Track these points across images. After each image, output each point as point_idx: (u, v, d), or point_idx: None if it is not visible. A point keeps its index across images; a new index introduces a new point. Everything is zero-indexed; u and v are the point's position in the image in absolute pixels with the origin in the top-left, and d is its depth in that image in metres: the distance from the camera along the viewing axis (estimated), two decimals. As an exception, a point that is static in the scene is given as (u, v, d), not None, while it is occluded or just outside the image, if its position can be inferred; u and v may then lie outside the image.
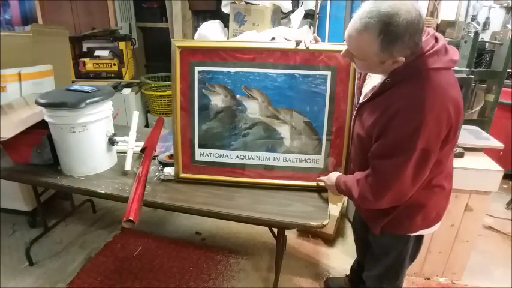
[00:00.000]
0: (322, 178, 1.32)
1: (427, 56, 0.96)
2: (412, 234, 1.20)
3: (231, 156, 1.42)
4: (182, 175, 1.45)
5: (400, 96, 0.97)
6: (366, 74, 1.19)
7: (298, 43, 1.26)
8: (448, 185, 1.16)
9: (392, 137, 0.97)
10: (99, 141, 1.53)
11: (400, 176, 0.98)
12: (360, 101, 1.13)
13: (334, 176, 1.25)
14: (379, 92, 1.04)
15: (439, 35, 1.01)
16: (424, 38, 0.97)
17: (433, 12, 2.85)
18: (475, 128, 1.95)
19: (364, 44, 0.93)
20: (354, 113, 1.20)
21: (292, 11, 2.28)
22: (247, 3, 2.04)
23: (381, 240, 1.27)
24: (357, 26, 0.92)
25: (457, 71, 1.62)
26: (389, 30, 0.87)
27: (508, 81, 2.54)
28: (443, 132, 0.95)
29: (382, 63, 0.96)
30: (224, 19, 2.26)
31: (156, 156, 1.60)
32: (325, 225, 1.21)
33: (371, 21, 0.88)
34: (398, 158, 0.97)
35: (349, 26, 0.95)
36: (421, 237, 1.25)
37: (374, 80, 1.10)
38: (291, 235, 2.18)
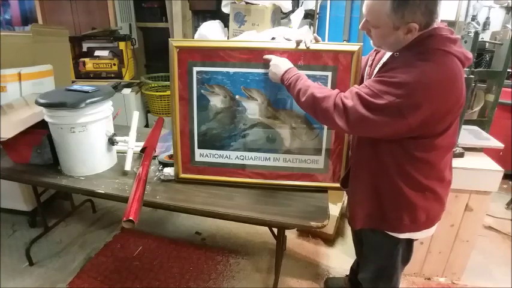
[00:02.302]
0: (268, 57, 1.24)
1: (440, 38, 0.97)
2: (401, 236, 1.19)
3: (231, 156, 1.42)
4: (182, 175, 1.45)
5: (404, 59, 0.98)
6: (378, 61, 1.18)
7: (298, 43, 1.25)
8: (442, 191, 1.14)
9: (378, 79, 1.00)
10: (99, 141, 1.53)
11: (363, 110, 0.98)
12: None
13: (286, 63, 1.20)
14: (385, 63, 1.05)
15: (454, 32, 1.02)
16: (441, 25, 0.99)
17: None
18: (475, 128, 1.94)
19: (378, 5, 0.96)
20: None
21: (292, 11, 2.28)
22: (247, 3, 2.03)
23: (371, 239, 1.28)
24: None
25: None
26: None
27: (508, 81, 2.54)
28: (425, 107, 0.93)
29: (396, 29, 0.97)
30: (224, 19, 2.26)
31: (156, 156, 1.60)
32: (325, 226, 1.21)
33: None
34: (369, 96, 0.98)
35: None
36: (411, 241, 1.24)
37: None
38: (291, 235, 2.18)
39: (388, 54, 1.10)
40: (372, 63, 1.22)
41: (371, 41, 1.10)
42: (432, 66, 0.94)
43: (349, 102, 1.01)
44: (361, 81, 1.27)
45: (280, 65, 1.20)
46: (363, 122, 0.99)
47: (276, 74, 1.20)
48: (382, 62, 1.14)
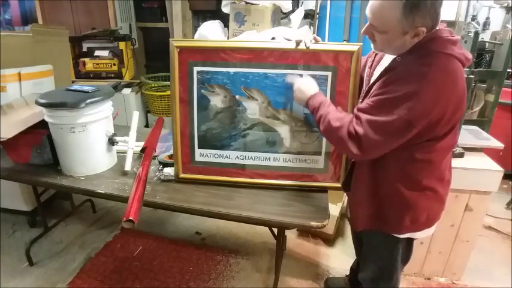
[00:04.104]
0: (294, 81, 1.24)
1: (442, 41, 0.97)
2: (401, 236, 1.19)
3: (231, 156, 1.42)
4: (182, 175, 1.45)
5: (406, 66, 0.98)
6: (378, 62, 1.18)
7: (298, 43, 1.25)
8: (442, 190, 1.15)
9: (383, 96, 0.99)
10: (99, 141, 1.52)
11: (375, 134, 0.98)
12: (369, 85, 1.13)
13: (311, 88, 1.19)
14: (387, 69, 1.04)
15: (454, 33, 1.02)
16: (440, 26, 0.99)
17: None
18: (475, 128, 1.95)
19: (387, 10, 0.94)
20: (361, 99, 1.20)
21: (292, 11, 2.28)
22: (247, 3, 2.03)
23: (371, 239, 1.28)
24: None
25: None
26: None
27: (508, 81, 2.54)
28: (433, 113, 0.94)
29: (404, 34, 0.96)
30: (224, 19, 2.26)
31: (156, 156, 1.60)
32: (325, 225, 1.21)
33: None
34: (379, 117, 0.98)
35: None
36: (411, 240, 1.25)
37: (385, 66, 1.10)
38: (291, 235, 2.18)
39: (389, 56, 1.10)
40: (371, 65, 1.21)
41: (372, 45, 1.09)
42: (436, 71, 0.94)
43: (360, 130, 1.00)
44: (361, 83, 1.27)
45: (304, 91, 1.20)
46: (377, 146, 1.00)
47: (301, 99, 1.21)
48: (382, 64, 1.14)
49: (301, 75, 1.26)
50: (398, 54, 1.02)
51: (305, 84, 1.21)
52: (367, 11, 0.99)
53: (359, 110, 1.05)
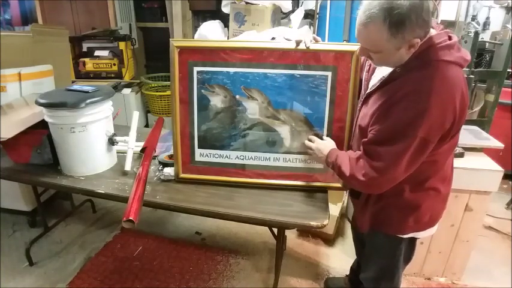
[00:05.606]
0: (311, 145, 1.29)
1: (439, 47, 0.96)
2: (404, 236, 1.19)
3: (231, 156, 1.42)
4: (182, 175, 1.45)
5: (408, 82, 0.97)
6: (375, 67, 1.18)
7: (298, 43, 1.25)
8: (445, 189, 1.15)
9: (393, 122, 0.98)
10: (99, 141, 1.53)
11: (397, 164, 0.98)
12: (368, 92, 1.13)
13: (327, 146, 1.24)
14: (387, 80, 1.04)
15: (452, 33, 1.02)
16: (436, 32, 0.98)
17: (433, 12, 2.85)
18: (475, 128, 1.95)
19: (374, 34, 0.93)
20: (360, 104, 1.20)
21: (292, 11, 2.28)
22: (247, 3, 2.04)
23: (374, 240, 1.28)
24: (362, 20, 0.93)
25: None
26: (394, 13, 0.88)
27: (508, 81, 2.54)
28: (446, 124, 0.95)
29: (398, 49, 0.95)
30: (224, 19, 2.26)
31: (156, 156, 1.60)
32: (325, 225, 1.21)
33: (374, 10, 0.90)
34: (397, 145, 0.97)
35: (356, 23, 0.96)
36: (414, 239, 1.25)
37: (383, 71, 1.10)
38: (291, 235, 2.18)
39: None
40: (369, 68, 1.21)
41: (371, 62, 1.10)
42: (439, 83, 0.94)
43: (380, 165, 1.00)
44: (360, 84, 1.27)
45: (322, 150, 1.24)
46: (398, 174, 1.00)
47: (320, 158, 1.26)
48: (381, 68, 1.13)
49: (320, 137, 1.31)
50: (397, 66, 1.02)
51: (322, 145, 1.26)
52: (356, 36, 1.00)
53: (371, 142, 1.04)
